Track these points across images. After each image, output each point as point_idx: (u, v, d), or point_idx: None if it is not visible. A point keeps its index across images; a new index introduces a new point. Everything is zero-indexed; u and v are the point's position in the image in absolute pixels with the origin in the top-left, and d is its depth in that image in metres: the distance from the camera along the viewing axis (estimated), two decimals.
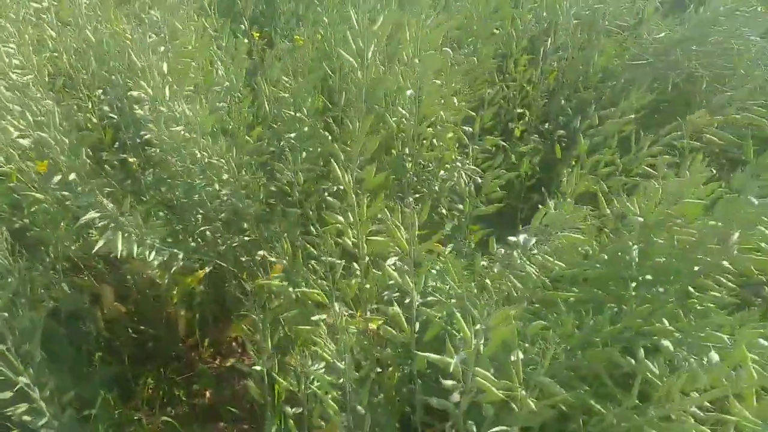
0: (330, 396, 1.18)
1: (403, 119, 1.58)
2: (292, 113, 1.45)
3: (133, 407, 1.73)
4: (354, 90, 1.46)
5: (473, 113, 1.71)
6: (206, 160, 1.27)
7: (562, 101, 2.19)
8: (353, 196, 1.22)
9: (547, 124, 2.19)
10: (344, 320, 1.20)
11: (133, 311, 1.87)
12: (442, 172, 1.65)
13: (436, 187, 1.67)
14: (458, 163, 1.57)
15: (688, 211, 1.00)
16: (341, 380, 1.17)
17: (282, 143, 1.46)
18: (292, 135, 1.45)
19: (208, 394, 1.86)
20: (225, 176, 1.29)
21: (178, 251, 1.31)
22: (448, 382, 0.95)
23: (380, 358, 1.44)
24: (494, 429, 0.93)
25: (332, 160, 1.21)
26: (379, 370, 1.47)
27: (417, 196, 1.74)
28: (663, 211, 1.03)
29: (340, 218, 1.28)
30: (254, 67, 1.74)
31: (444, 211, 1.78)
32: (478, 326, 0.89)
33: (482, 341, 0.89)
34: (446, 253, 1.44)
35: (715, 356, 0.80)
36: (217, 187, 1.37)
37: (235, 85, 1.46)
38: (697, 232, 1.00)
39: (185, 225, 1.52)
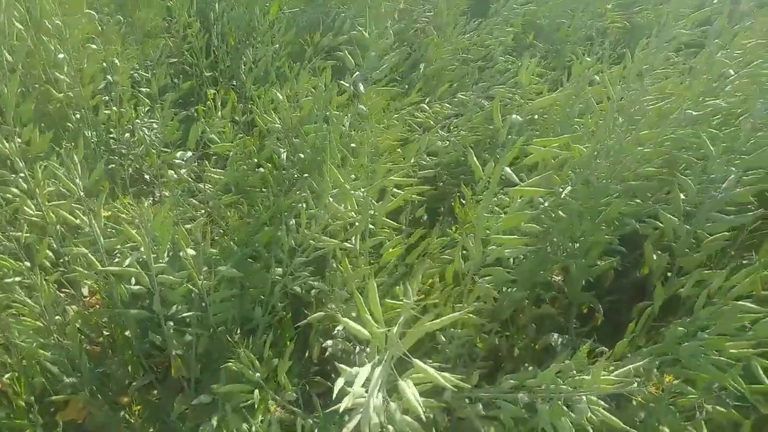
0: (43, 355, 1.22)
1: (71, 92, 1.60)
2: None
3: None
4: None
5: (146, 74, 1.79)
6: None
7: (243, 58, 2.39)
8: (21, 162, 1.24)
9: (234, 80, 2.38)
10: (43, 282, 1.23)
11: None
12: (126, 135, 1.71)
13: (125, 150, 1.73)
14: (138, 121, 1.65)
15: (305, 107, 1.24)
16: (52, 337, 1.21)
17: None
18: None
19: None
20: None
21: None
22: (134, 287, 1.07)
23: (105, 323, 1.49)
24: (184, 314, 1.07)
25: None
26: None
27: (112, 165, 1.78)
28: (290, 115, 1.26)
29: (14, 189, 1.28)
30: None
31: (147, 177, 1.85)
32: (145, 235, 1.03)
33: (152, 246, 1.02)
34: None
35: (330, 200, 1.04)
36: None
37: None
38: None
39: None
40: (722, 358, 0.84)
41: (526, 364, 1.39)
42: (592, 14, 2.09)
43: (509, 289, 1.23)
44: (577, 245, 1.12)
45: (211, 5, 2.37)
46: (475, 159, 0.94)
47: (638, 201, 1.24)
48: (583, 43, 2.12)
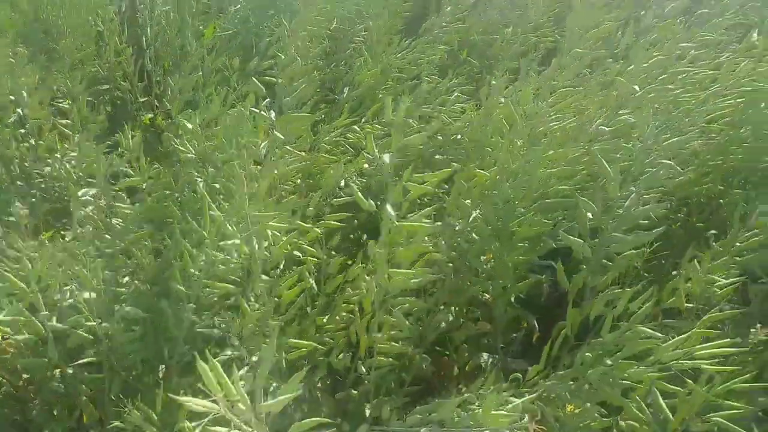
0: None
1: None
2: None
3: None
4: None
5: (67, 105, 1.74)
6: None
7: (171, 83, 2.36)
8: None
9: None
10: None
11: None
12: (47, 168, 1.65)
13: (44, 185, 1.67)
14: (58, 155, 1.59)
15: (218, 135, 1.21)
16: None
17: None
18: None
19: None
20: None
21: None
22: (19, 337, 1.02)
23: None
24: (83, 360, 1.03)
25: None
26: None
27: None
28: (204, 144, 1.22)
29: None
30: None
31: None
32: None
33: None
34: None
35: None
36: None
37: None
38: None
39: None
40: (628, 383, 0.83)
41: (460, 386, 1.37)
42: (523, 30, 2.09)
43: (438, 311, 1.21)
44: (490, 266, 1.10)
45: (144, 30, 2.33)
46: (359, 194, 0.92)
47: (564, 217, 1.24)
48: (514, 58, 2.13)
